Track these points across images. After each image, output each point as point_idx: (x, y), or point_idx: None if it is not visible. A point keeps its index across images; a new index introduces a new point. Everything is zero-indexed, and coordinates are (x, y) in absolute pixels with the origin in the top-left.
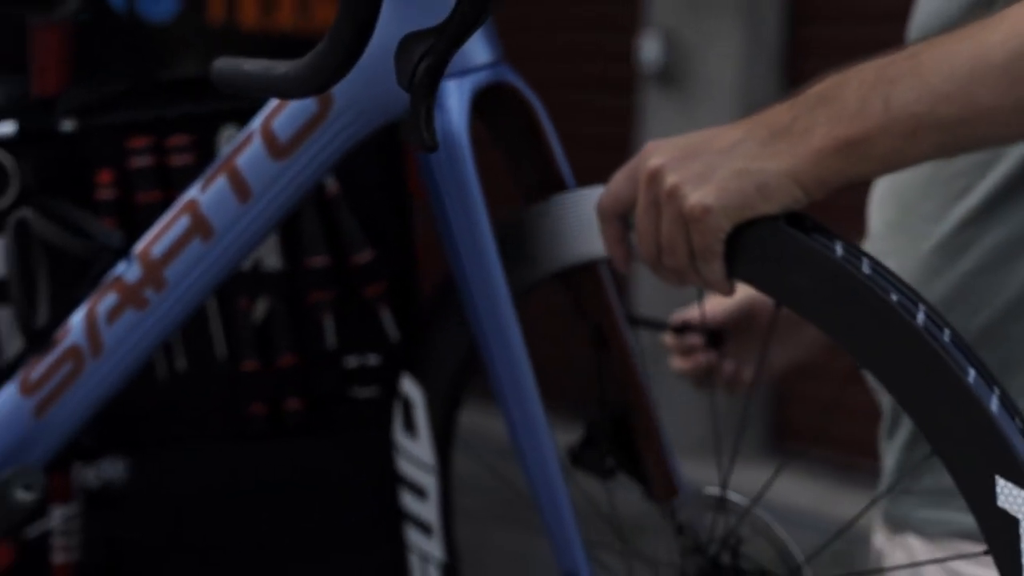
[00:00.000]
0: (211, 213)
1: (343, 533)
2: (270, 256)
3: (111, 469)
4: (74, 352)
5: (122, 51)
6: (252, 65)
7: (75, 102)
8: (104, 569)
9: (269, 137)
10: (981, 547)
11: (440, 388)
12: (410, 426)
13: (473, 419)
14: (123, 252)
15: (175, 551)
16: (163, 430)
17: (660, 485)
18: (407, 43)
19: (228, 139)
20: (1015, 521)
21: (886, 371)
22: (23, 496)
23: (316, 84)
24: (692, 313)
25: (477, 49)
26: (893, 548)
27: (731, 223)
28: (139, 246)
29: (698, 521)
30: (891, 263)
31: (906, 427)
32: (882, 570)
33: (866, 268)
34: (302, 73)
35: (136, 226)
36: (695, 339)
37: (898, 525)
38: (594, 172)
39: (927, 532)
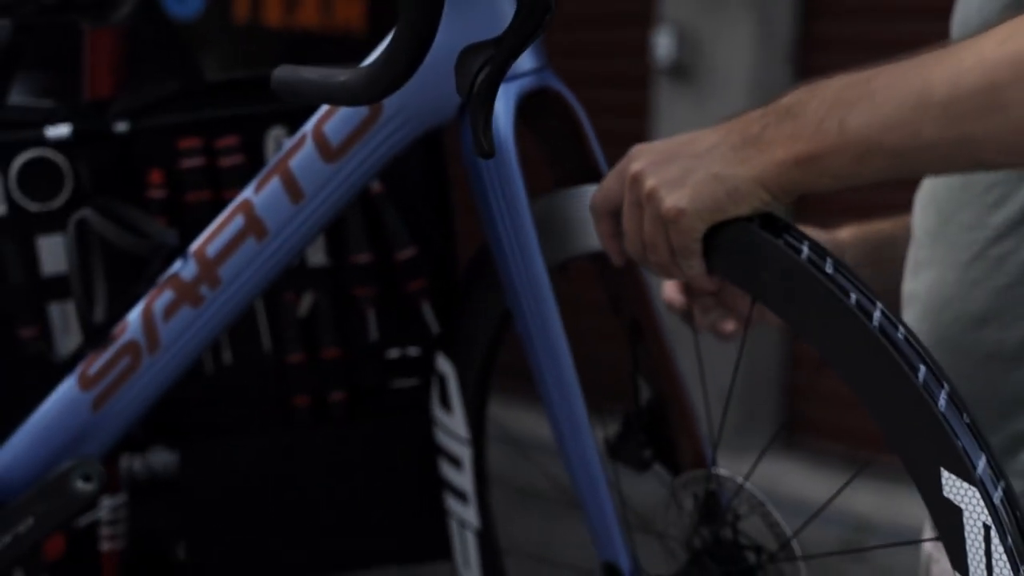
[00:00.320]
0: (265, 213)
1: (386, 515)
2: (316, 253)
3: (158, 460)
4: (132, 347)
5: (164, 53)
6: (312, 73)
7: (127, 105)
8: (151, 557)
9: (321, 140)
10: None
11: (470, 364)
12: (445, 401)
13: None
14: (178, 251)
15: (221, 539)
16: (210, 421)
17: (692, 467)
18: (467, 54)
19: (275, 140)
20: (959, 510)
21: (845, 367)
22: (82, 487)
23: (375, 93)
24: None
25: (523, 56)
26: (941, 554)
27: (705, 224)
28: (195, 245)
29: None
30: (931, 273)
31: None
32: (862, 550)
33: (829, 269)
34: (362, 82)
35: (186, 225)
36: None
37: None
38: (611, 167)
39: None
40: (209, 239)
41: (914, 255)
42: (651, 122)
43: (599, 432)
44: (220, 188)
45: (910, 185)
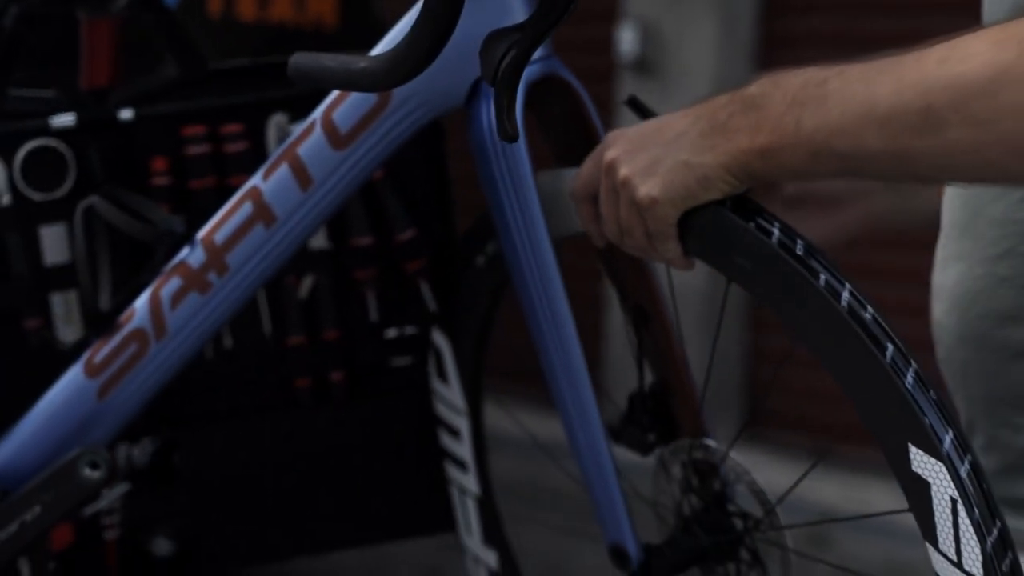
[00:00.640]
0: (273, 200)
1: (388, 491)
2: (317, 236)
3: (154, 447)
4: (139, 335)
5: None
6: (331, 60)
7: (129, 93)
8: (141, 548)
9: (330, 128)
10: None
11: (466, 337)
12: (442, 374)
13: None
14: (185, 238)
15: (225, 522)
16: (211, 406)
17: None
18: (492, 40)
19: (277, 126)
20: (927, 484)
21: (816, 346)
22: (89, 475)
23: (397, 78)
24: None
25: None
26: None
27: (678, 211)
28: (202, 232)
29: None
30: (959, 267)
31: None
32: (836, 519)
33: (799, 251)
34: (383, 68)
35: (190, 212)
36: None
37: None
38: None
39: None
40: (217, 226)
41: (942, 248)
42: (616, 116)
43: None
44: (225, 175)
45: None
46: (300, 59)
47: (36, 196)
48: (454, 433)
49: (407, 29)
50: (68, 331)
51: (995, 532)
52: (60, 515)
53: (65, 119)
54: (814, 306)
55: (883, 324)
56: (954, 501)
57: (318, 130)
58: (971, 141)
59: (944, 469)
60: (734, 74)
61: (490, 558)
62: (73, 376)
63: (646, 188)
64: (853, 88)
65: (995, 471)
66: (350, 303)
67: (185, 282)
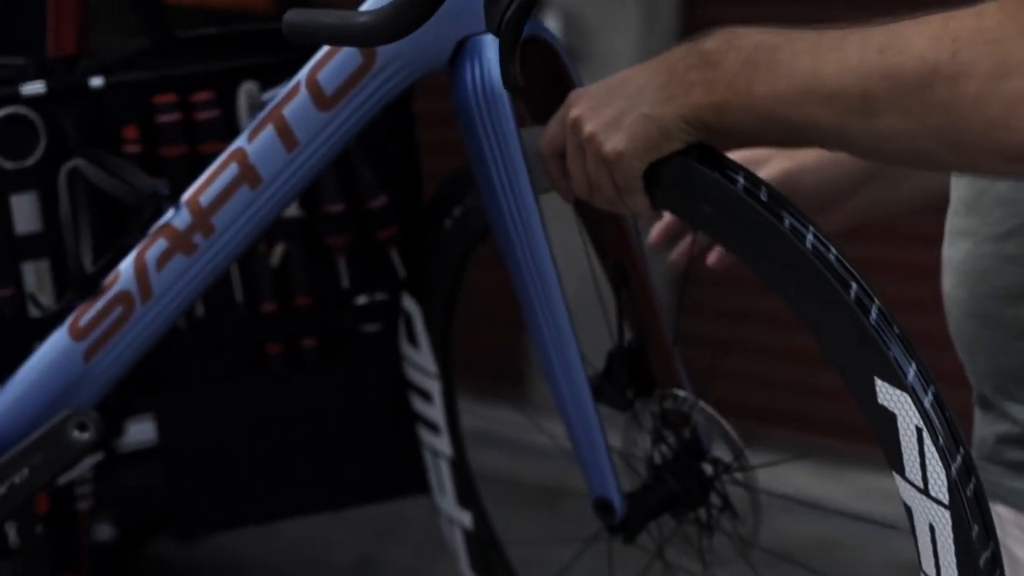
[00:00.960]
0: (259, 162)
1: (362, 455)
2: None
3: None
4: (124, 297)
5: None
6: (327, 16)
7: (99, 61)
8: (132, 514)
9: (315, 89)
10: None
11: (436, 300)
12: (412, 338)
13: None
14: (170, 200)
15: (202, 489)
16: (184, 375)
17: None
18: None
19: (248, 94)
20: (893, 416)
21: (783, 288)
22: (78, 436)
23: (395, 32)
24: None
25: None
26: None
27: (643, 163)
28: (187, 195)
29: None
30: (966, 244)
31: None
32: (791, 499)
33: (763, 196)
34: (381, 22)
35: (162, 180)
36: None
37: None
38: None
39: (1012, 502)
40: (202, 188)
41: (950, 222)
42: None
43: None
44: (196, 143)
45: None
46: (295, 16)
47: (7, 164)
48: (425, 396)
49: None
50: (41, 302)
51: (959, 459)
52: (49, 478)
53: (35, 87)
54: (780, 249)
55: (847, 264)
56: (919, 430)
57: (303, 91)
58: (903, 130)
59: (909, 400)
60: None
61: (464, 518)
62: (58, 340)
63: (611, 143)
64: (801, 61)
65: (1004, 437)
66: (321, 270)
67: (171, 244)
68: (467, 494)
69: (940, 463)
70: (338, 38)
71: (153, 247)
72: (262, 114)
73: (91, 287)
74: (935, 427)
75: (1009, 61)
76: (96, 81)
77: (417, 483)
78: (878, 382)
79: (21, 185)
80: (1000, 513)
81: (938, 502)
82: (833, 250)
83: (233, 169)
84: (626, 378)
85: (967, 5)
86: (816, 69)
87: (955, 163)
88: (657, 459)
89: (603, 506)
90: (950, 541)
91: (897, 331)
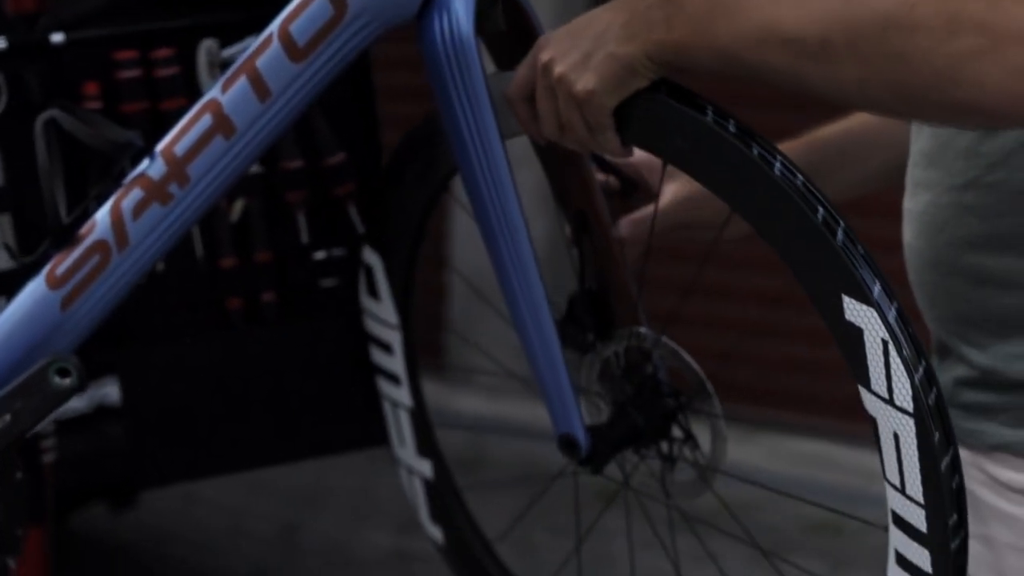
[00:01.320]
0: (233, 112)
1: (322, 408)
2: None
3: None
4: (101, 246)
5: None
6: None
7: (59, 17)
8: (94, 467)
9: (287, 40)
10: (1021, 459)
11: (398, 251)
12: (373, 290)
13: None
14: (144, 151)
15: (166, 442)
16: (145, 328)
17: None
18: None
19: (207, 51)
20: (860, 330)
21: (752, 214)
22: (59, 383)
23: None
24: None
25: None
26: None
27: (614, 101)
28: (161, 144)
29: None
30: (927, 196)
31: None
32: (754, 482)
33: (732, 128)
34: None
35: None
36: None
37: None
38: (402, 120)
39: (968, 443)
40: (176, 138)
41: (911, 175)
42: None
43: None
44: (157, 99)
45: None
46: None
47: None
48: (386, 348)
49: None
50: (2, 256)
51: (921, 369)
52: (31, 424)
53: None
54: (750, 176)
55: (813, 188)
56: (885, 342)
57: (275, 43)
58: (858, 77)
59: (875, 314)
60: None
61: (424, 468)
62: (34, 289)
63: (582, 83)
64: (762, 4)
65: (962, 380)
66: (281, 226)
67: (147, 194)
68: (427, 444)
69: (904, 373)
70: None
71: (128, 196)
72: (235, 65)
73: (67, 237)
74: (899, 339)
75: (960, 19)
76: (57, 37)
77: (376, 435)
78: (845, 299)
79: None
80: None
81: (902, 410)
82: (800, 176)
83: (207, 120)
84: (588, 322)
85: None
86: (777, 15)
87: (904, 112)
88: (620, 396)
89: (568, 442)
90: (914, 447)
91: (861, 251)
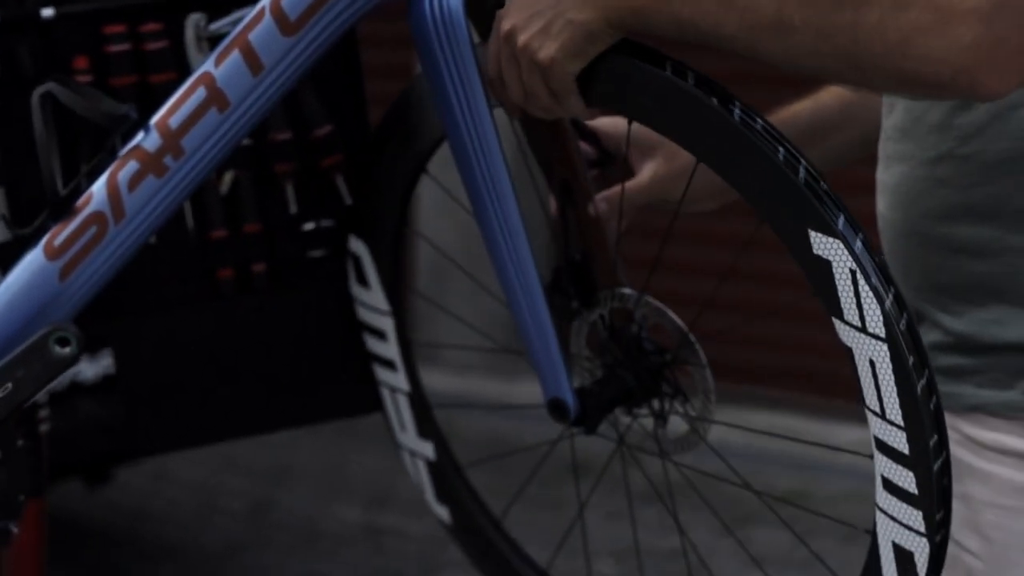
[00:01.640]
0: (226, 85)
1: (313, 375)
2: None
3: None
4: (98, 217)
5: None
6: None
7: None
8: (91, 435)
9: (279, 15)
10: (996, 419)
11: (383, 237)
12: (362, 279)
13: None
14: (138, 124)
15: (160, 409)
16: (138, 299)
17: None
18: None
19: (195, 25)
20: (828, 263)
21: (716, 161)
22: (59, 351)
23: None
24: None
25: None
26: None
27: (576, 67)
28: (156, 117)
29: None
30: (901, 168)
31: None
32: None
33: (691, 80)
34: None
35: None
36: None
37: None
38: (384, 98)
39: (945, 405)
40: (171, 111)
41: (884, 148)
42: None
43: None
44: (145, 73)
45: None
46: None
47: None
48: (380, 335)
49: None
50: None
51: (891, 295)
52: (31, 392)
53: None
54: (711, 124)
55: (773, 131)
56: (853, 272)
57: (268, 17)
58: (812, 48)
59: (841, 245)
60: None
61: (427, 449)
62: (32, 259)
63: (545, 51)
64: None
65: (935, 345)
66: (270, 197)
67: (142, 166)
68: (426, 425)
69: (874, 299)
70: None
71: (124, 169)
72: (228, 39)
73: (65, 208)
74: (867, 268)
75: None
76: (47, 12)
77: (366, 402)
78: (812, 234)
79: None
80: None
81: (876, 336)
82: (759, 120)
83: (201, 93)
84: (572, 290)
85: None
86: None
87: (857, 81)
88: (608, 359)
89: (558, 406)
90: (889, 372)
91: (824, 187)
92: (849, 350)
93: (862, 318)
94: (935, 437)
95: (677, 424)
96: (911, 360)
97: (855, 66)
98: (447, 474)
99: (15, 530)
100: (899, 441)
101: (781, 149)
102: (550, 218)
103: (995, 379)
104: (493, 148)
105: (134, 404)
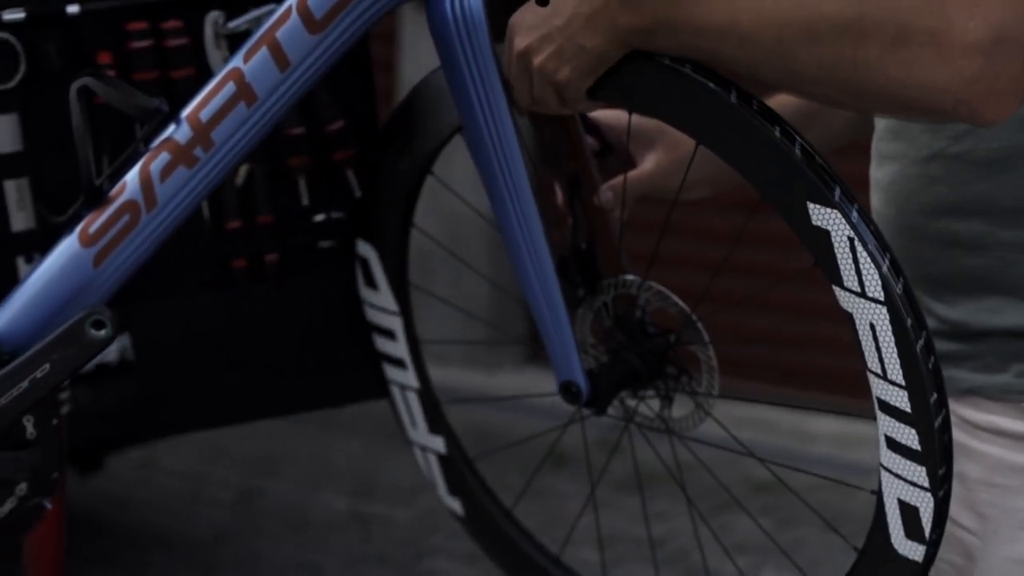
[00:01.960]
0: (254, 80)
1: (322, 361)
2: None
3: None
4: (131, 206)
5: None
6: None
7: None
8: (106, 421)
9: (305, 13)
10: (990, 402)
11: (388, 240)
12: (370, 281)
13: None
14: (169, 116)
15: (174, 390)
16: (155, 286)
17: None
18: None
19: (214, 23)
20: (827, 232)
21: (716, 142)
22: (95, 334)
23: None
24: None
25: None
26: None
27: (588, 83)
28: (187, 111)
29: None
30: (893, 166)
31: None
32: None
33: (689, 67)
34: None
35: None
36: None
37: None
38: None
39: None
40: (201, 105)
41: (876, 147)
42: (399, 49)
43: None
44: (167, 68)
45: None
46: None
47: None
48: (389, 335)
49: None
50: (20, 217)
51: (887, 260)
52: (67, 374)
53: (15, 14)
54: (711, 107)
55: (769, 111)
56: (851, 239)
57: (294, 15)
58: (813, 76)
59: (839, 214)
60: None
61: (438, 444)
62: (67, 246)
63: (560, 74)
64: (720, 3)
65: (931, 332)
66: (283, 190)
67: (173, 157)
68: (436, 421)
69: (872, 264)
70: None
71: (157, 160)
72: (256, 36)
73: (99, 197)
74: (863, 235)
75: (911, 29)
76: (72, 8)
77: (373, 387)
78: (810, 205)
79: (3, 106)
80: None
81: (875, 300)
82: (755, 101)
83: (231, 87)
84: (578, 279)
85: None
86: (734, 11)
87: (858, 108)
88: (613, 344)
89: (569, 389)
90: (890, 333)
91: (819, 160)
92: (850, 316)
93: (861, 283)
94: (935, 395)
95: (680, 408)
96: (909, 321)
97: (856, 94)
98: (458, 468)
99: (49, 506)
100: (901, 400)
101: (778, 127)
102: (554, 209)
103: (988, 364)
104: (511, 141)
105: (150, 386)
